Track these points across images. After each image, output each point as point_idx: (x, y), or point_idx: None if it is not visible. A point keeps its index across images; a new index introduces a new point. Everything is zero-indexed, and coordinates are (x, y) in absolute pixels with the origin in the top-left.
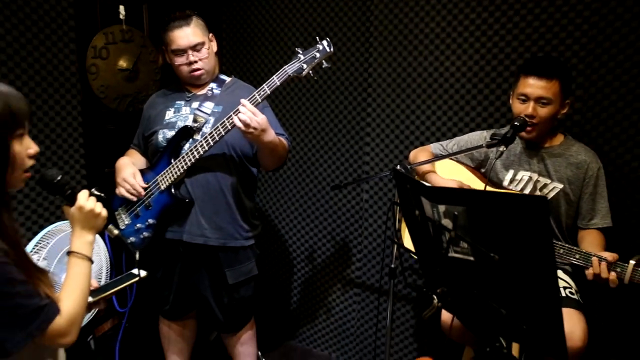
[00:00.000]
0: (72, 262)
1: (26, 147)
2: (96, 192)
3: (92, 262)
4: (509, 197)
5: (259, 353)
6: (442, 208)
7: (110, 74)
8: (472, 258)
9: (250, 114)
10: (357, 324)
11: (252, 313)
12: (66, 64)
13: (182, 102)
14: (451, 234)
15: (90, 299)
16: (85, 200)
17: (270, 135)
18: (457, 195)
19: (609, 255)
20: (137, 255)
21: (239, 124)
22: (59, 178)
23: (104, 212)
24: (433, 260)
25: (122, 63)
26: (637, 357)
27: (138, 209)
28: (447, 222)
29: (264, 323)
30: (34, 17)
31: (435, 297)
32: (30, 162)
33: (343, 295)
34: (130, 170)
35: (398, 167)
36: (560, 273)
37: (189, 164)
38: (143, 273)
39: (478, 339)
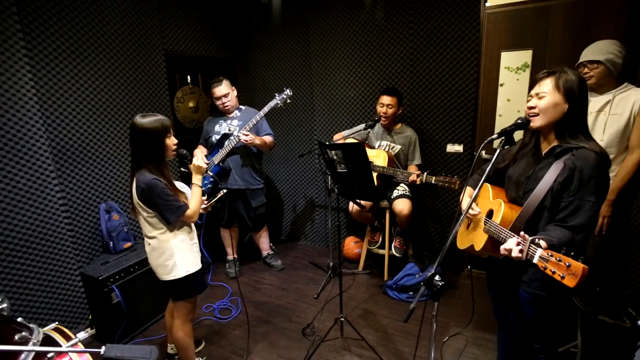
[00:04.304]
0: (193, 187)
1: (172, 141)
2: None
3: (201, 187)
4: (353, 144)
5: (270, 243)
6: (334, 152)
7: (185, 110)
8: (345, 170)
9: (244, 136)
10: (315, 223)
11: (265, 221)
12: (165, 107)
13: (222, 121)
14: (338, 160)
15: (203, 205)
16: (197, 161)
17: (257, 141)
18: (337, 146)
19: (417, 172)
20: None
21: (242, 140)
22: (185, 152)
23: (204, 165)
24: (335, 173)
25: (191, 104)
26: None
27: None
28: (336, 157)
29: (271, 227)
30: (151, 91)
31: (336, 189)
32: (174, 147)
33: (307, 209)
34: (200, 154)
35: (318, 142)
36: (402, 185)
37: (227, 150)
38: (224, 191)
39: (366, 215)
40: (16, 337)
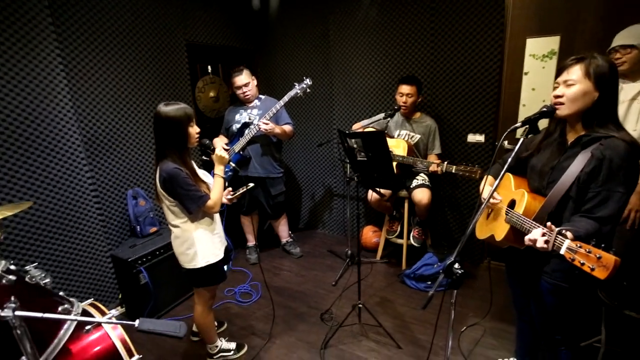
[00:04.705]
0: (216, 178)
1: (195, 130)
2: (212, 146)
3: (223, 178)
4: (373, 132)
5: (289, 230)
6: (354, 141)
7: (207, 100)
8: (365, 158)
9: (264, 125)
10: (334, 211)
11: (285, 209)
12: (187, 97)
13: (242, 110)
14: (357, 149)
15: (229, 196)
16: (219, 151)
17: (277, 130)
18: (358, 135)
19: (437, 162)
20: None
21: (262, 129)
22: (207, 142)
23: (226, 156)
24: (354, 162)
25: (212, 94)
26: None
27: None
28: (356, 145)
29: (290, 215)
30: (174, 81)
31: (355, 178)
32: (197, 136)
33: (326, 197)
34: (220, 143)
35: (338, 130)
36: (422, 174)
37: (247, 139)
38: (252, 184)
39: (385, 204)
40: (60, 308)
